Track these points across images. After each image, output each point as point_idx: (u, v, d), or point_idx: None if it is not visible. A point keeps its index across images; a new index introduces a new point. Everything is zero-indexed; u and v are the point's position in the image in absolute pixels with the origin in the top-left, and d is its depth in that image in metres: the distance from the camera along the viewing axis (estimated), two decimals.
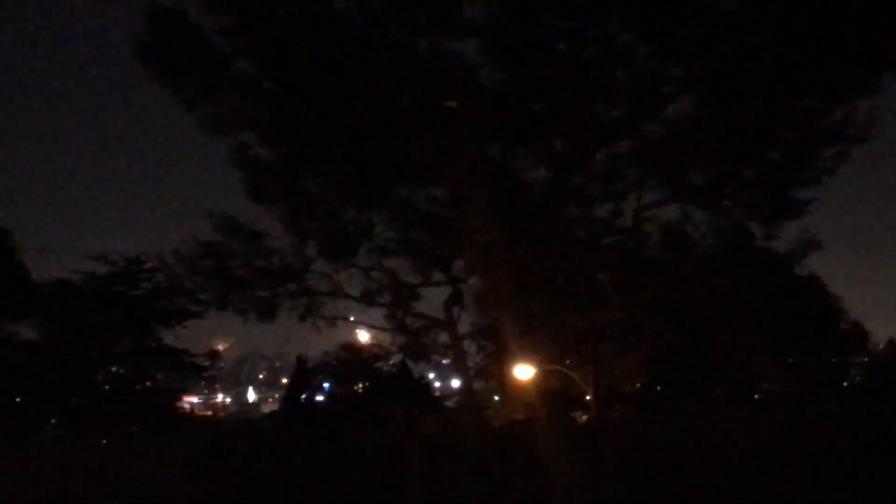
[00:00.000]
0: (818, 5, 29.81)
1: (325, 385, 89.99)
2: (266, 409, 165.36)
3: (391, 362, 76.21)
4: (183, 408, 77.26)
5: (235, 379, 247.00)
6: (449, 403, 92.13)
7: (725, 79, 31.46)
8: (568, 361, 39.03)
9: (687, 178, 36.43)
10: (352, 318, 45.24)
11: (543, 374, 33.84)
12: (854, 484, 18.51)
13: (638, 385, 49.65)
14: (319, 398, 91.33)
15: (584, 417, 38.32)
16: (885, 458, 20.02)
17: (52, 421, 56.19)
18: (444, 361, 51.84)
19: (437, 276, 42.29)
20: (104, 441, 38.08)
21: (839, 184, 38.13)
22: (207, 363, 64.25)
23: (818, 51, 30.72)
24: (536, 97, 32.97)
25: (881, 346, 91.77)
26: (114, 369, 59.00)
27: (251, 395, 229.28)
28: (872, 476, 18.92)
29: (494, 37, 30.85)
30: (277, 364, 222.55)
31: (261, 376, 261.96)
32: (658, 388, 48.60)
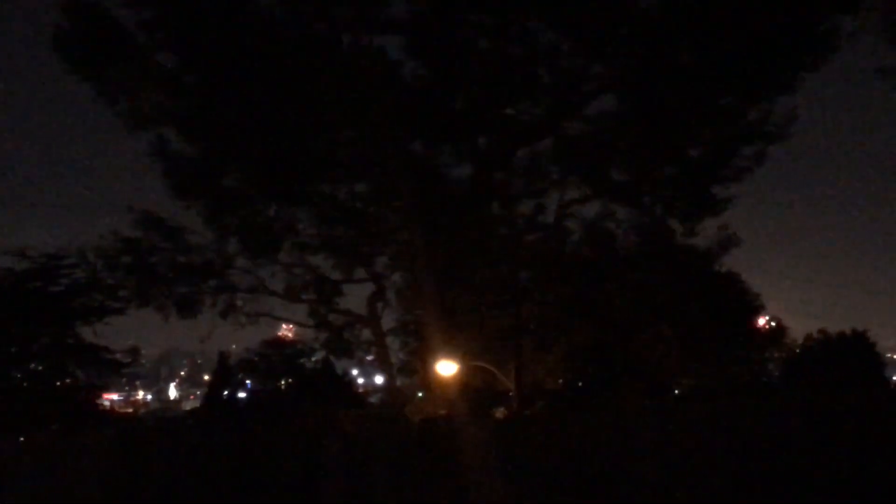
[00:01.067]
0: (737, 7, 30.21)
1: (248, 382, 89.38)
2: (187, 406, 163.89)
3: (314, 358, 75.87)
4: (103, 405, 76.16)
5: (157, 376, 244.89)
6: (372, 400, 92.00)
7: (646, 78, 31.76)
8: (490, 357, 39.19)
9: (608, 176, 36.80)
10: (274, 315, 44.91)
11: (466, 370, 33.98)
12: (770, 478, 18.80)
13: (560, 381, 49.98)
14: (242, 395, 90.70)
15: (505, 413, 38.50)
16: (801, 452, 20.35)
17: None
18: (367, 358, 51.78)
19: (360, 272, 42.27)
20: (21, 439, 37.51)
21: (758, 181, 38.77)
22: (128, 360, 63.52)
23: (737, 51, 31.15)
24: (459, 94, 33.05)
25: (799, 342, 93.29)
26: (32, 366, 58.03)
27: (172, 393, 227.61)
28: (787, 470, 19.21)
29: (418, 34, 30.87)
30: (199, 361, 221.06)
31: (182, 373, 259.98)
32: (580, 384, 48.93)
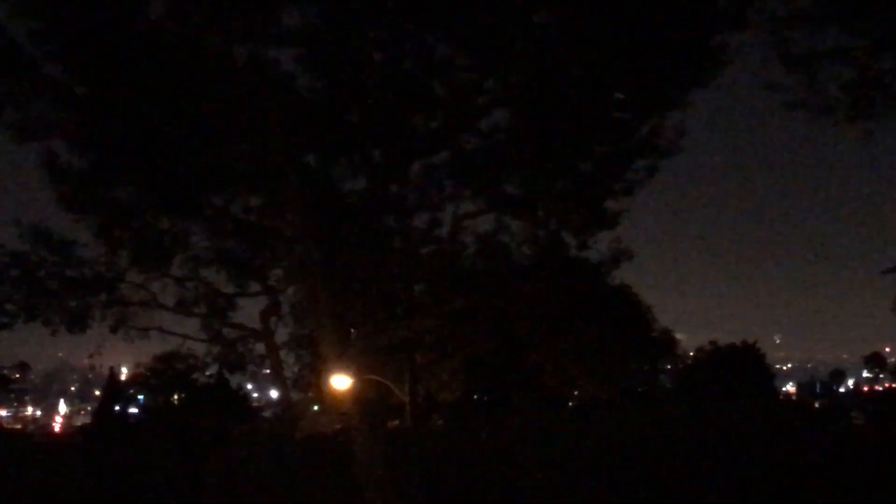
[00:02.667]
0: (629, 22, 30.62)
1: (140, 397, 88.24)
2: (78, 422, 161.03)
3: (208, 373, 75.09)
4: None
5: (46, 391, 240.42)
6: (267, 414, 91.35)
7: (540, 92, 32.03)
8: (385, 371, 39.07)
9: (503, 189, 36.98)
10: (166, 329, 44.20)
11: (360, 384, 33.87)
12: (660, 487, 19.08)
13: (455, 393, 50.00)
14: (134, 410, 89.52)
15: (401, 426, 38.41)
16: (690, 461, 20.68)
17: None
18: (262, 372, 51.29)
19: (254, 286, 41.81)
20: None
21: (650, 195, 39.29)
22: (16, 375, 62.29)
23: (629, 66, 31.58)
24: (354, 107, 32.99)
25: (691, 354, 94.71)
26: None
27: (63, 408, 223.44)
28: (678, 479, 19.52)
29: (312, 46, 30.76)
30: (90, 376, 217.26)
31: (73, 389, 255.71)
32: (475, 397, 49.12)
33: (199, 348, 53.08)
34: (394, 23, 30.86)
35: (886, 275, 35.07)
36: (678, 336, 73.89)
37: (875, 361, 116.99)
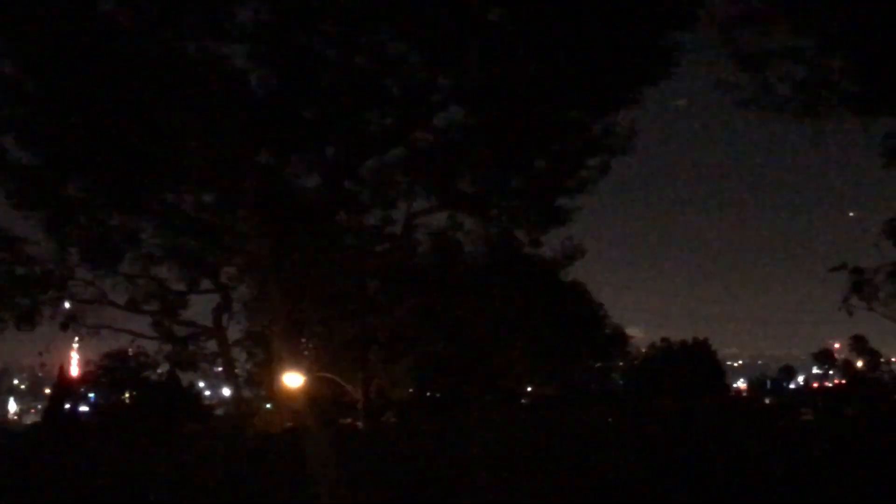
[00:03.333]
0: (582, 20, 30.72)
1: (91, 395, 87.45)
2: (28, 420, 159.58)
3: (159, 371, 74.54)
4: None
5: None
6: (219, 412, 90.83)
7: (493, 89, 32.06)
8: (339, 368, 38.92)
9: (456, 187, 37.00)
10: (116, 327, 43.81)
11: (313, 382, 33.80)
12: (610, 483, 19.16)
13: (409, 391, 49.88)
14: (85, 409, 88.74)
15: (354, 424, 38.21)
16: (641, 457, 20.80)
17: None
18: (215, 369, 50.94)
19: (206, 283, 41.55)
20: None
21: (603, 193, 39.50)
22: None
23: (582, 64, 31.68)
24: (307, 103, 32.85)
25: (643, 351, 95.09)
26: None
27: (12, 407, 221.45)
28: (629, 475, 19.61)
29: (265, 41, 30.59)
30: (40, 374, 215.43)
31: (23, 387, 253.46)
32: (428, 394, 49.07)
33: (151, 346, 52.75)
34: (347, 19, 30.74)
35: (834, 272, 35.43)
36: (631, 333, 74.17)
37: (825, 358, 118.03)
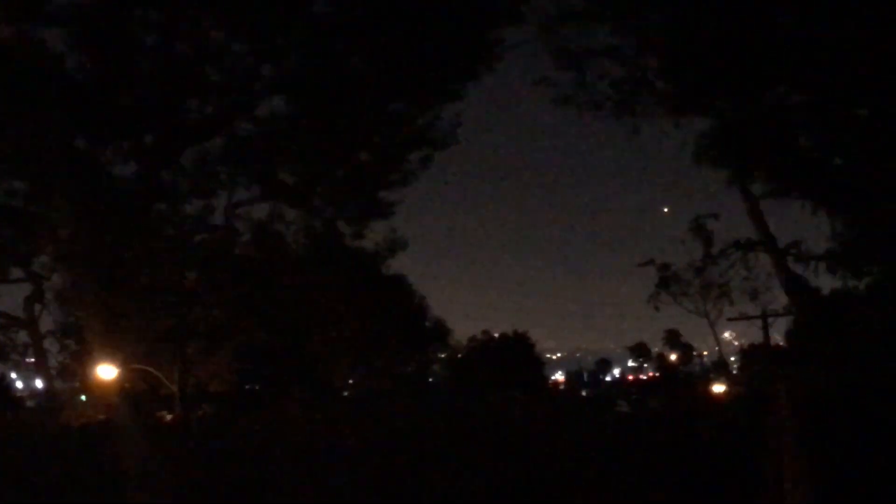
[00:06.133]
0: (406, 14, 30.96)
1: None
2: None
3: None
4: None
5: None
6: (30, 404, 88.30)
7: (317, 80, 32.06)
8: (155, 360, 38.27)
9: (278, 177, 36.86)
10: None
11: (129, 374, 33.21)
12: (426, 476, 19.39)
13: (227, 384, 49.40)
14: None
15: (169, 417, 37.66)
16: (460, 449, 21.10)
17: None
18: (27, 360, 49.46)
19: (17, 272, 40.30)
20: None
21: (425, 185, 40.00)
22: None
23: (407, 58, 31.94)
24: (125, 90, 32.27)
25: (465, 343, 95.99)
26: None
27: None
28: (445, 468, 19.88)
29: (82, 27, 29.95)
30: None
31: None
32: (247, 387, 48.66)
33: None
34: (167, 4, 30.35)
35: (643, 267, 36.50)
36: (451, 326, 74.92)
37: (640, 351, 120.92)
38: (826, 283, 33.86)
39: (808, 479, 14.01)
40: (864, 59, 21.87)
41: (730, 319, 38.39)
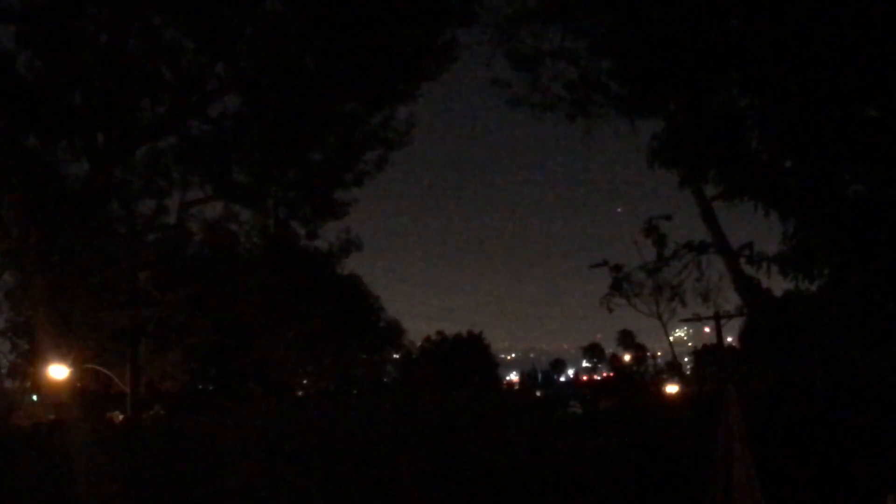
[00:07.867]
0: (360, 14, 31.00)
1: None
2: None
3: None
4: None
5: None
6: None
7: (270, 80, 32.04)
8: (106, 360, 38.10)
9: (231, 177, 36.80)
10: None
11: (80, 373, 33.04)
12: (377, 477, 19.40)
13: (179, 383, 49.18)
14: None
15: (121, 417, 37.49)
16: (411, 448, 21.16)
17: None
18: None
19: None
20: None
21: (379, 186, 40.18)
22: None
23: (361, 58, 31.98)
24: (77, 88, 32.11)
25: (419, 344, 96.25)
26: None
27: None
28: (396, 469, 19.92)
29: (32, 24, 29.78)
30: None
31: None
32: (199, 387, 48.51)
33: None
34: (120, 2, 30.23)
35: (596, 269, 36.73)
36: (405, 326, 75.01)
37: (593, 352, 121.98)
38: (778, 284, 34.21)
39: (755, 480, 14.18)
40: (815, 60, 22.11)
41: (682, 320, 38.48)
